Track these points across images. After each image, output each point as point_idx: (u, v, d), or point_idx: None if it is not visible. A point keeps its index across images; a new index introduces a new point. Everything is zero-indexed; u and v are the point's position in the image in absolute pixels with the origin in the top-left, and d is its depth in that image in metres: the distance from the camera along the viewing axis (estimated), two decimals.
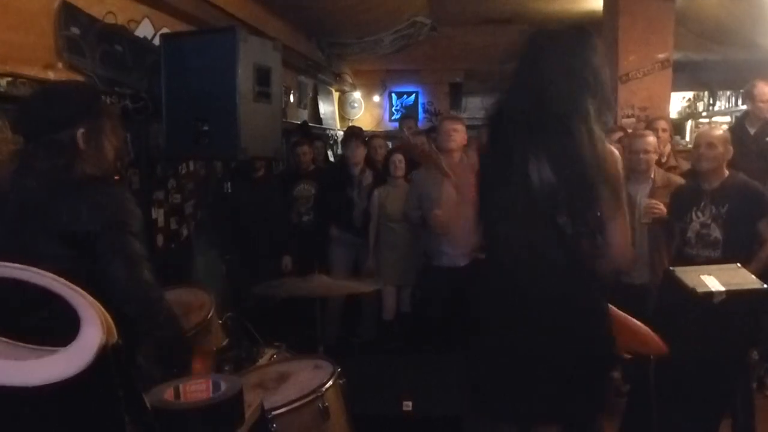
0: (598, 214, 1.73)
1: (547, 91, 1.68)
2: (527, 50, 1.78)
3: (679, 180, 3.47)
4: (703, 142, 3.12)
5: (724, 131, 3.41)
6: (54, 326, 0.98)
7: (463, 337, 3.82)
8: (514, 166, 1.72)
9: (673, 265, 2.72)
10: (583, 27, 1.86)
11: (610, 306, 1.85)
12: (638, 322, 1.96)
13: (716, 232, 2.98)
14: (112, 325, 0.92)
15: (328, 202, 4.53)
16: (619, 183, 1.79)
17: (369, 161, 4.70)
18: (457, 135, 3.76)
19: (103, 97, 1.83)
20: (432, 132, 4.91)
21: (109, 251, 1.61)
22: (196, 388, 1.42)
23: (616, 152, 1.82)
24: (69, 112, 1.69)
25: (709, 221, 3.01)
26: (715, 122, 8.45)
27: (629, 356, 2.08)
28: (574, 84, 1.69)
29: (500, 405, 1.83)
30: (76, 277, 1.55)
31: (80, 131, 1.67)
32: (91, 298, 0.92)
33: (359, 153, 4.50)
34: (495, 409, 1.84)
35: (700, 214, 3.04)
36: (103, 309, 0.92)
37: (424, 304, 4.20)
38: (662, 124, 4.03)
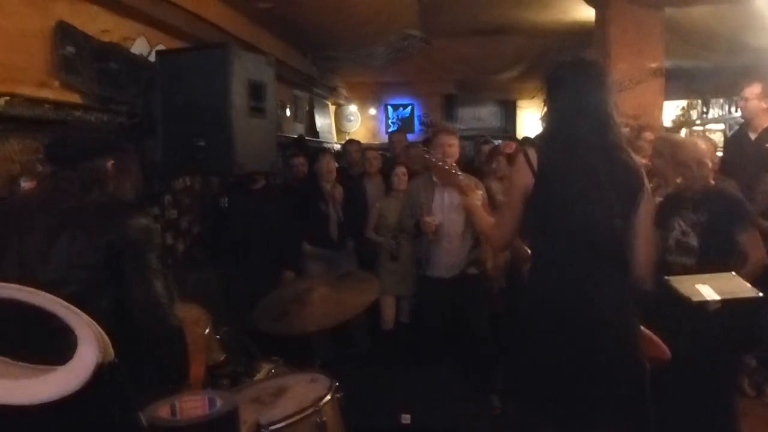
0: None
1: (609, 120, 1.93)
2: (577, 79, 1.95)
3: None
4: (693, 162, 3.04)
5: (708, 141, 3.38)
6: (51, 345, 0.99)
7: (456, 349, 3.83)
8: (575, 185, 1.87)
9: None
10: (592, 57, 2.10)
11: None
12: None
13: (694, 240, 2.94)
14: (109, 344, 0.93)
15: (301, 218, 4.49)
16: (648, 195, 1.99)
17: (341, 174, 4.76)
18: (453, 149, 3.77)
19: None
20: (427, 143, 4.92)
21: (135, 266, 1.75)
22: (193, 405, 1.42)
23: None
24: (102, 143, 1.88)
25: (688, 229, 3.00)
26: (709, 129, 8.52)
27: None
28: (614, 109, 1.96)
29: (561, 411, 1.94)
30: (102, 288, 1.67)
31: (110, 162, 1.84)
32: (87, 318, 0.93)
33: (330, 167, 4.51)
34: (557, 415, 1.96)
35: (681, 222, 3.03)
36: (99, 328, 0.93)
37: (419, 314, 4.21)
38: (648, 135, 4.07)
